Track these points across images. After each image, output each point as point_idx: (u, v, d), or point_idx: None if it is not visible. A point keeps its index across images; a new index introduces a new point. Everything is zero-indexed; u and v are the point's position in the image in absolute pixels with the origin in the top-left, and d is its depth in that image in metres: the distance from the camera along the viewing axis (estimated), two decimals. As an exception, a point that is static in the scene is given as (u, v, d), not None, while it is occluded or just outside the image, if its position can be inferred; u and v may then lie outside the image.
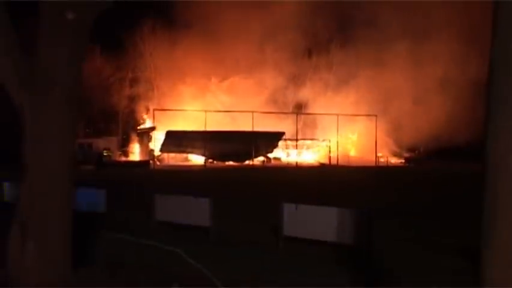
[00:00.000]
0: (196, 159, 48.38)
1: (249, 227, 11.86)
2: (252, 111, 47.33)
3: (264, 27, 52.54)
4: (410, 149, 54.10)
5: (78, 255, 7.18)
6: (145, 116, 54.94)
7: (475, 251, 3.83)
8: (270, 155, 51.01)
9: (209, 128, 45.43)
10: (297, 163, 47.88)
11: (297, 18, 52.49)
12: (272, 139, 49.44)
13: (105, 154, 45.09)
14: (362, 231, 8.48)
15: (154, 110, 48.59)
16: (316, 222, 9.00)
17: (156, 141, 46.26)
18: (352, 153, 54.89)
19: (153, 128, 47.78)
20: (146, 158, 46.18)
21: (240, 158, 47.55)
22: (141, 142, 50.94)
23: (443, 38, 50.23)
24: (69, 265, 6.65)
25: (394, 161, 52.79)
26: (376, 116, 49.82)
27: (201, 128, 45.35)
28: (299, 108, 57.33)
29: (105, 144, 46.86)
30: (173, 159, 48.14)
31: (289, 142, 51.76)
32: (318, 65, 57.46)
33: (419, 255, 8.95)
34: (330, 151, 50.94)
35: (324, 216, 8.96)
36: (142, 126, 53.41)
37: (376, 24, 50.64)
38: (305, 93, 56.92)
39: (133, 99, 57.39)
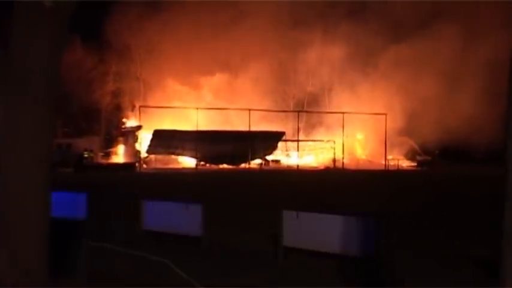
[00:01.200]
0: (187, 162, 48.37)
1: (244, 236, 11.87)
2: (249, 109, 47.38)
3: (264, 15, 52.65)
4: (424, 151, 54.20)
5: (56, 265, 7.18)
6: (130, 114, 54.93)
7: (494, 262, 3.86)
8: (269, 158, 51.05)
9: (201, 127, 45.46)
10: (298, 166, 47.94)
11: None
12: (271, 140, 49.49)
13: (85, 155, 45.06)
14: (369, 242, 8.50)
15: (140, 107, 48.61)
16: (319, 232, 9.02)
17: (143, 141, 46.25)
18: (360, 155, 54.99)
19: (139, 127, 47.76)
20: (131, 160, 46.15)
21: (235, 160, 47.57)
22: (125, 142, 50.91)
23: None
24: (46, 277, 6.65)
25: (405, 164, 52.89)
26: (385, 114, 49.90)
27: (193, 128, 45.37)
28: (301, 106, 57.48)
29: (85, 145, 46.81)
30: (161, 161, 48.13)
31: (289, 143, 51.81)
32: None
33: (432, 267, 8.98)
34: (334, 153, 50.98)
35: (328, 224, 8.97)
36: (127, 125, 53.38)
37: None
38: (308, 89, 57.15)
39: (117, 95, 57.40)
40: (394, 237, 10.91)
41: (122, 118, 55.53)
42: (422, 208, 17.79)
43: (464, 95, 50.44)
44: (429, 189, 26.66)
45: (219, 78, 54.78)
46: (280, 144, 50.96)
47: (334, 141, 51.62)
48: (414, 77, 52.80)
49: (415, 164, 52.98)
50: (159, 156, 48.37)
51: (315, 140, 53.64)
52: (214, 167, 47.57)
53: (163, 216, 11.15)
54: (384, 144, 49.96)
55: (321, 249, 8.96)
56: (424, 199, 21.16)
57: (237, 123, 49.70)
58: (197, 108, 46.17)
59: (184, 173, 40.45)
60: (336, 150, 51.35)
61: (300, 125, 52.63)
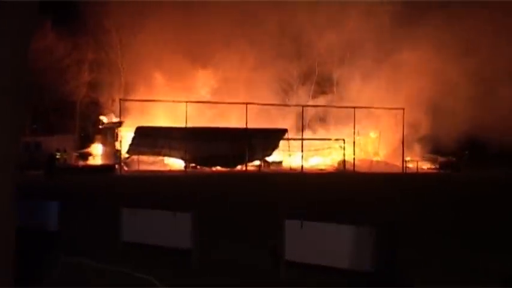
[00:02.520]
0: (175, 164, 48.39)
1: (240, 249, 11.89)
2: (246, 103, 47.40)
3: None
4: (452, 152, 54.19)
5: (24, 283, 7.19)
6: (109, 109, 54.94)
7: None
8: (269, 159, 51.08)
9: (191, 124, 45.45)
10: (302, 169, 47.98)
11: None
12: (271, 138, 49.55)
13: (58, 156, 45.03)
14: (383, 255, 8.52)
15: (121, 100, 48.63)
16: (327, 244, 9.04)
17: (124, 140, 46.26)
18: (373, 156, 55.05)
19: (119, 124, 47.77)
20: (111, 162, 46.16)
21: (230, 162, 47.61)
22: (104, 141, 50.93)
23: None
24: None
25: (426, 166, 52.94)
26: (403, 109, 49.96)
27: (181, 124, 45.37)
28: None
29: (58, 144, 46.79)
30: (145, 163, 48.13)
31: (292, 142, 51.84)
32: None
33: (453, 285, 9.00)
34: (344, 154, 51.05)
35: (337, 236, 8.99)
36: (105, 121, 53.39)
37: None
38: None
39: (94, 87, 57.39)
40: (410, 250, 10.93)
41: (100, 113, 55.55)
42: (443, 218, 17.82)
43: (503, 88, 50.67)
44: (452, 195, 26.69)
45: (213, 68, 54.79)
46: (281, 143, 50.99)
47: (344, 140, 51.68)
48: (439, 66, 52.82)
49: (437, 166, 53.06)
50: (143, 157, 48.36)
51: (322, 139, 53.68)
52: (206, 169, 47.59)
53: (147, 227, 11.15)
54: (402, 144, 49.99)
55: (328, 264, 8.98)
56: (445, 207, 21.19)
57: (233, 119, 49.73)
58: (186, 102, 46.13)
59: (171, 176, 40.43)
60: (346, 150, 51.41)
61: (305, 122, 52.68)
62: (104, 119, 53.39)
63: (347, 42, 57.16)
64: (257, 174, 44.92)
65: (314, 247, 9.15)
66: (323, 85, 61.03)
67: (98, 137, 52.65)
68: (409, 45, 53.11)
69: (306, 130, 53.04)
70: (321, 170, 50.02)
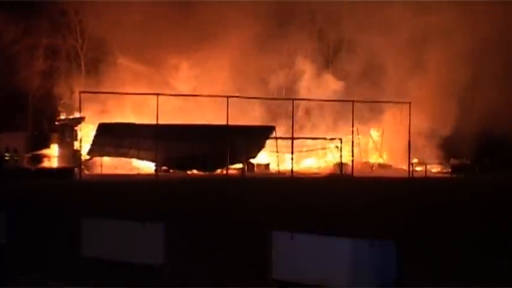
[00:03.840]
0: (144, 167, 48.23)
1: (219, 266, 11.87)
2: (227, 96, 47.31)
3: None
4: (467, 153, 54.34)
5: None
6: (67, 102, 54.58)
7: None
8: (253, 161, 51.04)
9: (163, 121, 45.31)
10: (292, 172, 48.01)
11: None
12: (256, 137, 49.52)
13: (6, 157, 44.68)
14: (387, 273, 8.55)
15: (81, 92, 48.22)
16: (321, 260, 9.05)
17: (85, 139, 46.03)
18: (375, 158, 55.14)
19: (79, 120, 47.51)
20: (69, 164, 45.90)
21: (208, 164, 47.51)
22: (61, 140, 50.58)
23: None
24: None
25: (436, 169, 53.11)
26: (410, 103, 50.12)
27: (152, 121, 45.21)
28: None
29: (7, 143, 46.47)
30: (109, 166, 47.94)
31: (281, 142, 51.83)
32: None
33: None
34: (341, 156, 51.15)
35: (332, 250, 9.01)
36: (63, 117, 53.08)
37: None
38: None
39: (49, 77, 57.03)
40: (417, 267, 10.98)
41: (57, 108, 55.21)
42: (454, 229, 17.89)
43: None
44: (464, 203, 26.78)
45: (189, 56, 54.62)
46: (268, 142, 50.97)
47: (341, 140, 51.75)
48: (451, 53, 53.06)
49: (449, 169, 53.23)
50: (107, 159, 48.14)
51: (315, 138, 53.68)
52: (180, 173, 47.45)
53: (111, 240, 11.11)
54: (408, 144, 50.11)
55: (322, 283, 8.99)
56: (458, 217, 21.28)
57: (212, 115, 49.63)
58: (158, 95, 45.90)
59: (140, 181, 40.28)
60: (343, 151, 51.49)
61: (296, 117, 52.62)
62: (67, 113, 53.05)
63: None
64: (240, 179, 44.85)
65: (306, 263, 9.15)
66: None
67: (54, 135, 52.28)
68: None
69: (297, 127, 52.97)
70: (314, 173, 50.00)
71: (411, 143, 49.80)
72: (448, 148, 54.59)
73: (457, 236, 16.24)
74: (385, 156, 55.47)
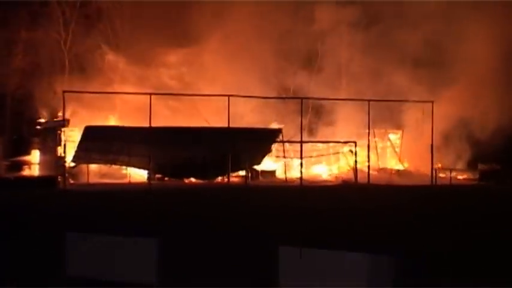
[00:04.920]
0: (136, 174, 48.29)
1: (219, 285, 11.92)
2: (228, 95, 47.36)
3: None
4: (499, 157, 54.29)
5: None
6: (50, 103, 54.73)
7: None
8: (258, 167, 51.05)
9: (157, 123, 45.38)
10: (301, 180, 48.02)
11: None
12: (261, 141, 49.51)
13: (-18, 166, 44.86)
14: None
15: (64, 92, 48.28)
16: (333, 277, 9.10)
17: (69, 144, 46.10)
18: (394, 164, 55.12)
19: (63, 123, 47.57)
20: (51, 173, 45.99)
21: (207, 172, 47.54)
22: (43, 146, 50.71)
23: None
24: None
25: (463, 176, 53.05)
26: (432, 102, 50.16)
27: (144, 123, 45.29)
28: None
29: (-18, 150, 46.61)
30: (97, 173, 47.99)
31: (288, 146, 51.86)
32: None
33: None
34: (356, 161, 51.14)
35: (346, 267, 9.06)
36: (45, 120, 53.24)
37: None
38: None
39: (30, 75, 57.14)
40: (441, 285, 11.04)
41: (38, 109, 55.36)
42: (482, 243, 17.92)
43: None
44: (493, 213, 26.80)
45: (188, 51, 54.68)
46: (275, 147, 50.98)
47: (356, 143, 51.73)
48: (477, 46, 53.17)
49: (477, 176, 53.11)
50: (94, 167, 48.20)
51: (326, 142, 53.70)
52: (176, 181, 47.50)
53: (99, 257, 11.17)
54: (431, 148, 50.09)
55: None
56: (484, 228, 21.31)
57: (212, 117, 49.65)
58: (151, 94, 45.99)
59: (131, 191, 40.35)
60: (358, 156, 51.44)
61: (305, 119, 52.66)
62: (49, 115, 53.19)
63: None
64: (243, 188, 44.89)
65: (316, 280, 9.19)
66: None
67: (36, 140, 52.40)
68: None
69: (306, 130, 53.00)
70: (326, 181, 49.97)
71: (434, 146, 49.89)
72: (477, 152, 54.59)
73: (482, 245, 16.27)
74: (405, 162, 55.41)
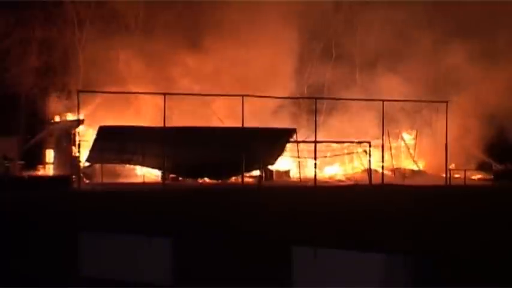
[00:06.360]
0: (150, 174, 48.35)
1: (236, 285, 11.87)
2: (242, 95, 47.34)
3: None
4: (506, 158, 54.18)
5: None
6: (64, 102, 54.84)
7: None
8: (272, 167, 51.02)
9: (171, 123, 45.42)
10: (315, 180, 47.97)
11: None
12: (275, 141, 49.43)
13: (-4, 165, 44.97)
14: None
15: (79, 91, 48.45)
16: (348, 277, 9.04)
17: (84, 144, 46.21)
18: (408, 164, 54.98)
19: (78, 122, 47.68)
20: (66, 172, 46.10)
21: (221, 172, 47.57)
22: (57, 145, 50.85)
23: None
24: None
25: (477, 176, 52.84)
26: (446, 102, 50.00)
27: (158, 123, 45.33)
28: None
29: (-3, 149, 46.75)
30: (111, 173, 48.06)
31: (303, 146, 51.82)
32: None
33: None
34: (370, 161, 51.04)
35: (361, 267, 9.00)
36: (59, 120, 53.34)
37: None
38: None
39: (44, 75, 57.29)
40: (458, 285, 10.92)
41: (52, 109, 55.49)
42: (497, 243, 17.79)
43: None
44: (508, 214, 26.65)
45: (202, 51, 54.71)
46: (288, 147, 50.94)
47: (370, 144, 51.62)
48: (491, 41, 53.04)
49: (491, 176, 52.94)
50: (108, 167, 48.28)
51: (341, 142, 53.62)
52: (190, 181, 47.50)
53: (113, 257, 11.14)
54: (445, 148, 49.92)
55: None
56: (500, 230, 21.17)
57: (226, 117, 49.66)
58: (165, 94, 46.05)
59: (145, 191, 40.36)
60: (372, 156, 51.36)
61: (319, 119, 52.57)
62: (63, 115, 53.28)
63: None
64: (257, 188, 44.85)
65: (332, 281, 9.13)
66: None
67: (50, 139, 52.52)
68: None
69: (321, 130, 52.87)
70: (340, 182, 49.91)
71: (448, 146, 49.73)
72: (492, 152, 54.45)
73: (498, 246, 16.15)
74: (420, 163, 55.28)
